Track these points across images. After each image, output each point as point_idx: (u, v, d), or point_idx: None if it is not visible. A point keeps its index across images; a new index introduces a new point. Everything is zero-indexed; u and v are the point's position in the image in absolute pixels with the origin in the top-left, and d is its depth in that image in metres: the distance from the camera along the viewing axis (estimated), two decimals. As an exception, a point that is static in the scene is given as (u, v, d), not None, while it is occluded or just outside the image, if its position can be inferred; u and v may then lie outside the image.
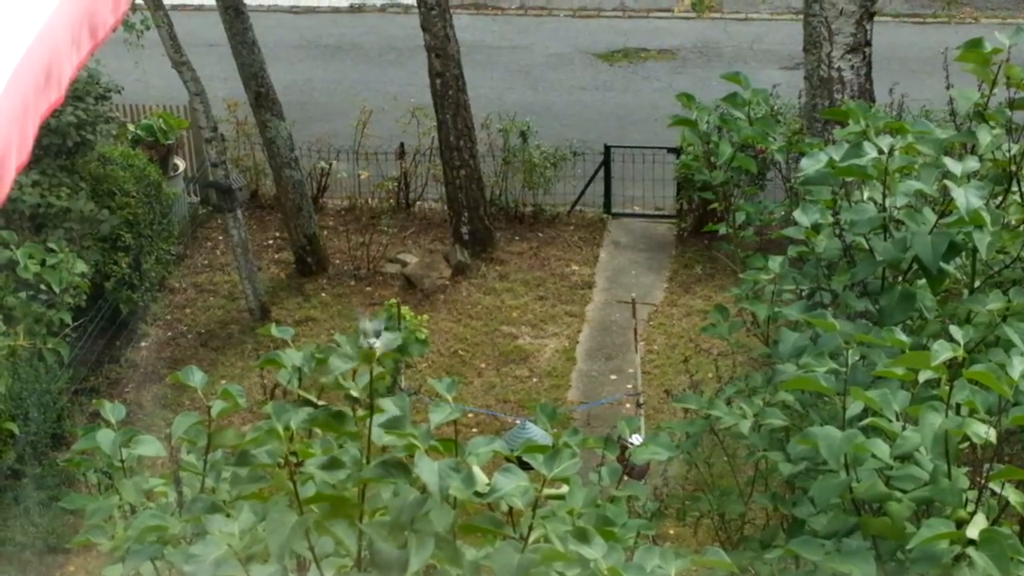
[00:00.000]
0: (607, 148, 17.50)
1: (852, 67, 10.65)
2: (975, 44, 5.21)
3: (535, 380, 14.58)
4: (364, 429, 3.59)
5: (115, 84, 15.25)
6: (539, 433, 10.03)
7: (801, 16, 11.38)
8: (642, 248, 17.06)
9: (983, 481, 4.15)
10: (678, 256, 16.80)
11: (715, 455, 6.04)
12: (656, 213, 17.66)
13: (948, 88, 5.81)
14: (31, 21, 2.39)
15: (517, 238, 17.32)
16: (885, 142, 5.03)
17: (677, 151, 16.95)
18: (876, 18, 11.06)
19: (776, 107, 15.74)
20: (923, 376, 4.16)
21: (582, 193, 17.64)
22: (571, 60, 22.14)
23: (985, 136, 5.21)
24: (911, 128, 5.18)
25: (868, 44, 10.75)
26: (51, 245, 13.04)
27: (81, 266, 12.93)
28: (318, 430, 3.70)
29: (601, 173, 17.59)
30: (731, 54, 21.97)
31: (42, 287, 12.57)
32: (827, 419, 4.78)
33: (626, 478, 4.52)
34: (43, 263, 12.67)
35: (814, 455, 4.54)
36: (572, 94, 20.89)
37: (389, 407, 3.54)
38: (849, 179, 5.31)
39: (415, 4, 16.40)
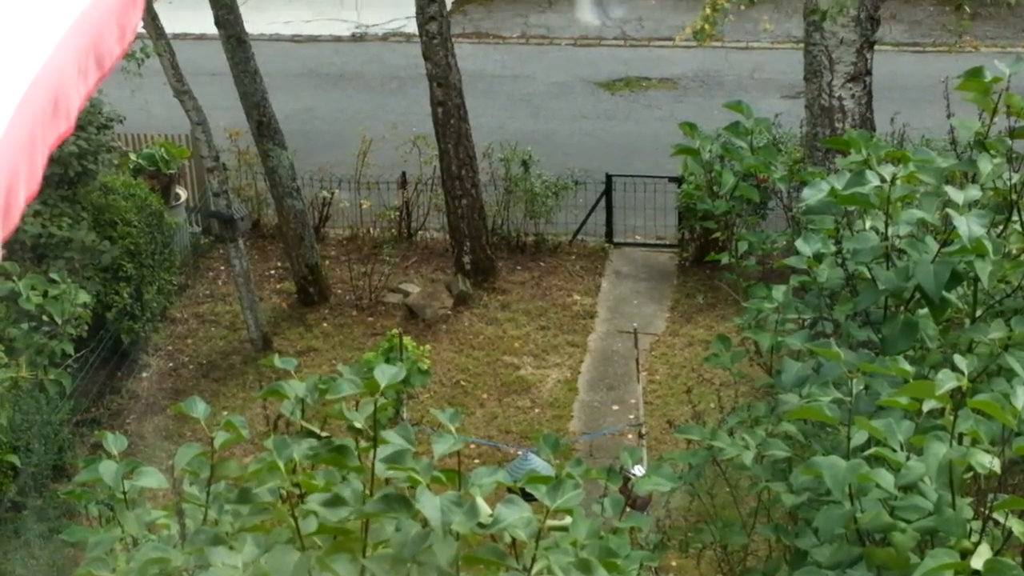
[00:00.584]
0: (608, 177, 17.51)
1: (853, 96, 10.67)
2: (975, 73, 5.23)
3: (537, 411, 14.55)
4: (367, 460, 3.58)
5: (117, 113, 15.27)
6: (541, 464, 9.99)
7: (802, 45, 11.41)
8: (644, 277, 17.06)
9: (987, 511, 4.14)
10: (680, 286, 16.79)
11: (718, 486, 6.03)
12: (658, 242, 17.66)
13: (949, 117, 5.81)
14: (36, 51, 2.39)
15: (519, 268, 17.32)
16: (887, 171, 5.04)
17: (679, 180, 16.97)
18: (876, 47, 11.09)
19: (777, 136, 15.77)
20: (927, 406, 4.15)
21: (584, 222, 17.64)
22: (572, 89, 22.19)
23: (986, 165, 5.21)
24: (912, 157, 5.19)
25: (869, 73, 10.77)
26: (53, 275, 13.01)
27: (83, 296, 12.90)
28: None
29: (603, 202, 17.60)
30: (732, 83, 22.01)
31: (44, 318, 12.55)
32: (830, 449, 4.76)
33: (629, 509, 4.51)
34: (45, 294, 12.65)
35: (817, 486, 4.53)
36: (574, 123, 20.92)
37: (392, 439, 3.53)
38: (851, 208, 5.31)
39: (417, 33, 16.45)
